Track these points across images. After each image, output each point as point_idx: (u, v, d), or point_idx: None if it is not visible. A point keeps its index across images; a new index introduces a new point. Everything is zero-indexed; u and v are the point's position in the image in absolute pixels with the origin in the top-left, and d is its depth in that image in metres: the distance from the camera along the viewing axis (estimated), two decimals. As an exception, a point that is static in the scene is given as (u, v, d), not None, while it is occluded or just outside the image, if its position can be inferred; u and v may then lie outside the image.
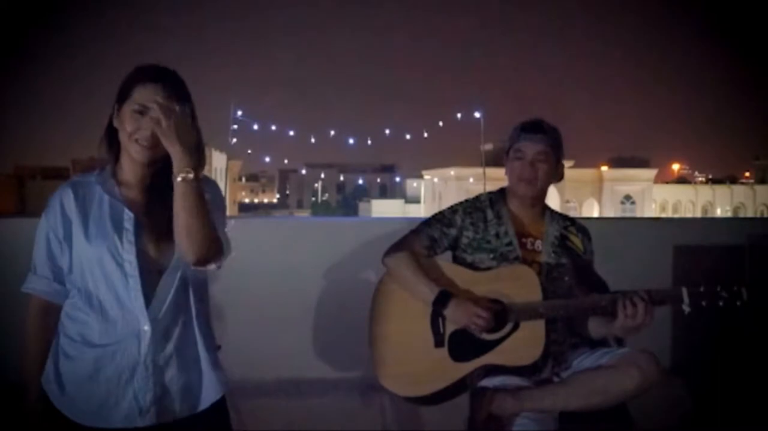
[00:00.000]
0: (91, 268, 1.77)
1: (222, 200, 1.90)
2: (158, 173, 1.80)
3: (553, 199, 34.93)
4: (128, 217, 1.78)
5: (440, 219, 2.50)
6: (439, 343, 2.35)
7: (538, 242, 2.46)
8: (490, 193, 2.56)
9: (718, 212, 62.78)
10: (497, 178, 26.66)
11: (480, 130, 42.08)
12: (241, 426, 1.94)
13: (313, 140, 48.20)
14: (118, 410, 1.75)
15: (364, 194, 75.88)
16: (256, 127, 42.26)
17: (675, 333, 3.98)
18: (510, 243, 2.42)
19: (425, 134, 48.30)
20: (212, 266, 1.76)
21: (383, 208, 63.59)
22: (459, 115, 44.13)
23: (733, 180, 75.93)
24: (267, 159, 56.18)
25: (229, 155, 49.27)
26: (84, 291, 1.78)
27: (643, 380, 2.14)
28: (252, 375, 3.44)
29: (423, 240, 2.46)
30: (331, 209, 71.51)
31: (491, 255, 2.42)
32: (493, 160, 40.83)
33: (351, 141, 47.61)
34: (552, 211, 2.55)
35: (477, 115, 42.76)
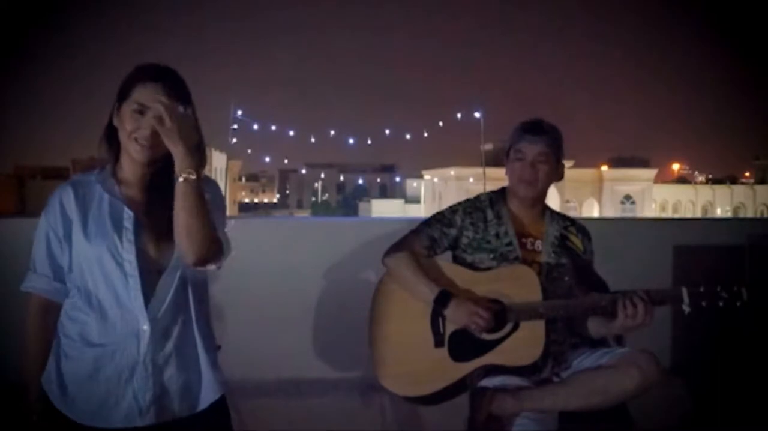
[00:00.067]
0: (90, 267, 1.76)
1: (222, 200, 1.90)
2: (158, 172, 1.80)
3: (553, 199, 34.94)
4: (128, 216, 1.78)
5: (440, 219, 2.50)
6: (439, 343, 2.35)
7: (538, 242, 2.46)
8: (490, 193, 2.56)
9: (718, 212, 62.80)
10: (497, 178, 26.66)
11: (480, 130, 42.12)
12: (241, 426, 1.93)
13: (313, 140, 48.29)
14: (117, 410, 1.75)
15: (364, 194, 75.90)
16: (256, 127, 42.34)
17: (675, 333, 3.99)
18: (510, 243, 2.42)
19: (425, 134, 48.39)
20: (212, 267, 1.76)
21: (383, 208, 63.61)
22: (459, 115, 44.19)
23: (733, 180, 75.95)
24: (267, 159, 56.31)
25: (229, 155, 49.32)
26: (83, 290, 1.78)
27: (643, 380, 2.14)
28: (252, 375, 3.44)
29: (423, 240, 2.46)
30: (331, 209, 71.52)
31: (491, 255, 2.42)
32: (493, 160, 40.85)
33: (351, 141, 47.70)
34: (552, 211, 2.55)
35: (477, 115, 42.82)
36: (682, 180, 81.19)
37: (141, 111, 1.74)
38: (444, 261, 2.48)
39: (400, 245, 2.46)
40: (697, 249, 4.06)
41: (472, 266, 2.43)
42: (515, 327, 2.30)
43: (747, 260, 3.70)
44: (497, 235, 2.44)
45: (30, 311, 1.83)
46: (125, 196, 1.81)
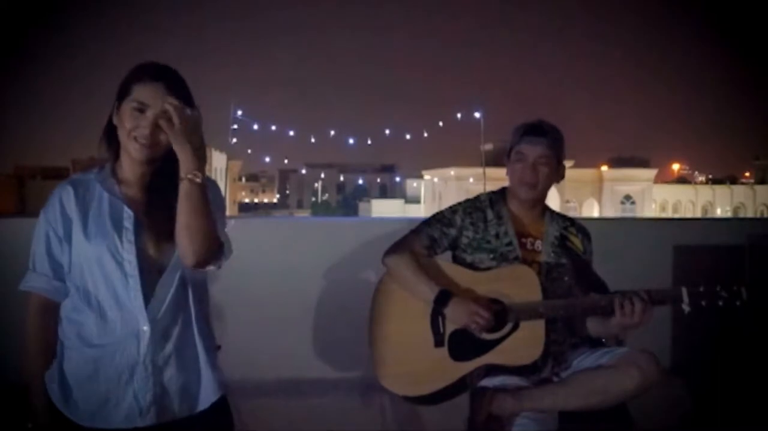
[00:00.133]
0: (90, 267, 1.76)
1: (222, 200, 1.90)
2: (158, 171, 1.80)
3: (553, 199, 34.94)
4: (128, 215, 1.77)
5: (440, 219, 2.50)
6: (439, 343, 2.35)
7: (538, 243, 2.46)
8: (490, 193, 2.56)
9: (718, 212, 62.80)
10: (497, 178, 26.67)
11: (480, 130, 42.10)
12: (242, 426, 1.93)
13: (313, 140, 48.28)
14: (118, 410, 1.74)
15: (364, 194, 75.90)
16: (256, 127, 42.34)
17: (675, 332, 3.99)
18: (510, 243, 2.42)
19: (425, 134, 48.37)
20: (211, 267, 1.76)
21: (383, 208, 63.61)
22: (459, 115, 44.17)
23: (733, 180, 75.94)
24: (267, 159, 56.34)
25: (229, 155, 49.29)
26: (82, 291, 1.77)
27: (643, 380, 2.14)
28: (252, 375, 3.44)
29: (423, 240, 2.46)
30: (331, 209, 71.51)
31: (491, 255, 2.41)
32: (493, 160, 40.83)
33: (351, 141, 47.69)
34: (552, 211, 2.55)
35: (477, 115, 42.80)
36: (682, 180, 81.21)
37: (141, 109, 1.73)
38: (444, 261, 2.48)
39: (400, 245, 2.46)
40: (697, 249, 4.06)
41: (472, 266, 2.43)
42: (515, 327, 2.30)
43: (747, 260, 3.70)
44: (497, 235, 2.43)
45: (30, 310, 1.82)
46: (125, 195, 1.80)
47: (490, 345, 2.30)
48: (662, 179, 71.89)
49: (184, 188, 1.68)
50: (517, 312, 2.29)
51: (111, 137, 1.81)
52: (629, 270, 3.20)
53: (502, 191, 2.55)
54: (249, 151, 64.77)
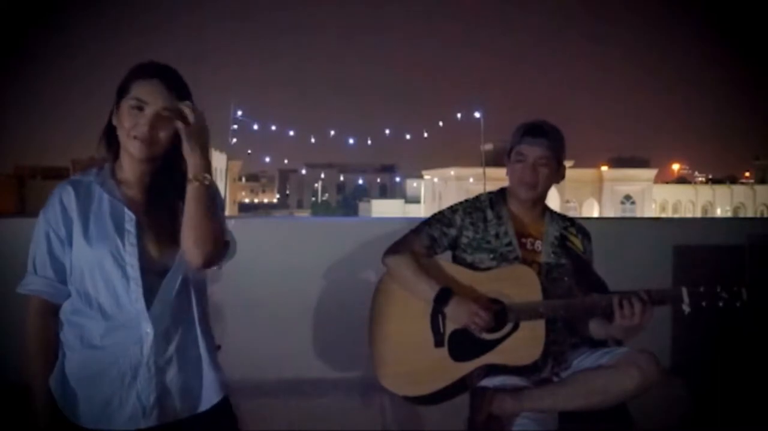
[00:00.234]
0: (90, 270, 1.74)
1: (221, 200, 1.90)
2: (157, 171, 1.79)
3: (553, 199, 34.92)
4: (129, 218, 1.76)
5: (440, 219, 2.50)
6: (439, 343, 2.34)
7: (538, 243, 2.46)
8: (490, 193, 2.55)
9: (718, 212, 62.80)
10: (497, 178, 26.64)
11: (480, 130, 42.07)
12: (242, 426, 1.93)
13: (313, 140, 48.23)
14: (121, 412, 1.73)
15: (364, 194, 75.91)
16: (256, 127, 42.33)
17: (675, 332, 3.99)
18: (510, 243, 2.42)
19: (425, 134, 48.30)
20: (214, 267, 1.76)
21: (383, 208, 63.61)
22: (459, 115, 44.12)
23: (733, 180, 75.97)
24: (267, 159, 56.20)
25: (229, 155, 49.23)
26: (83, 293, 1.76)
27: (643, 380, 2.14)
28: (252, 375, 3.44)
29: (423, 240, 2.46)
30: (331, 209, 71.53)
31: (491, 255, 2.41)
32: (493, 160, 40.86)
33: (351, 141, 47.62)
34: (552, 211, 2.55)
35: (477, 115, 42.75)
36: (682, 180, 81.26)
37: (139, 107, 1.72)
38: (444, 261, 2.48)
39: (400, 245, 2.46)
40: (697, 249, 4.06)
41: (472, 266, 2.43)
42: (515, 327, 2.30)
43: (747, 260, 3.70)
44: (497, 235, 2.43)
45: (30, 312, 1.80)
46: (125, 197, 1.79)
47: (490, 345, 2.30)
48: (662, 179, 71.97)
49: (193, 189, 1.68)
50: (517, 312, 2.29)
51: (111, 137, 1.80)
52: (629, 270, 3.20)
53: (502, 192, 2.55)
54: (249, 151, 64.76)
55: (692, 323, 2.67)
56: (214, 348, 1.88)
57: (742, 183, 72.56)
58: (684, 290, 2.20)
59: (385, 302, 2.44)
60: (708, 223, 6.87)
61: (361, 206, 67.88)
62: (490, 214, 2.47)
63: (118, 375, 1.73)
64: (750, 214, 60.88)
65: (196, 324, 1.82)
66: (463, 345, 2.32)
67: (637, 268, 3.62)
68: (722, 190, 66.49)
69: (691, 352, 3.94)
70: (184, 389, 1.79)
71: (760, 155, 76.58)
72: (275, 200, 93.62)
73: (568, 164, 3.06)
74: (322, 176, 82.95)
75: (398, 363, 2.38)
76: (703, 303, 2.19)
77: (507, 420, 2.18)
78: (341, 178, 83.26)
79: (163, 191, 1.77)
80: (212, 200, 1.70)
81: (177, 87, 1.75)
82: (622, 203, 60.55)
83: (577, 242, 2.49)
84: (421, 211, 60.70)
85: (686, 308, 2.19)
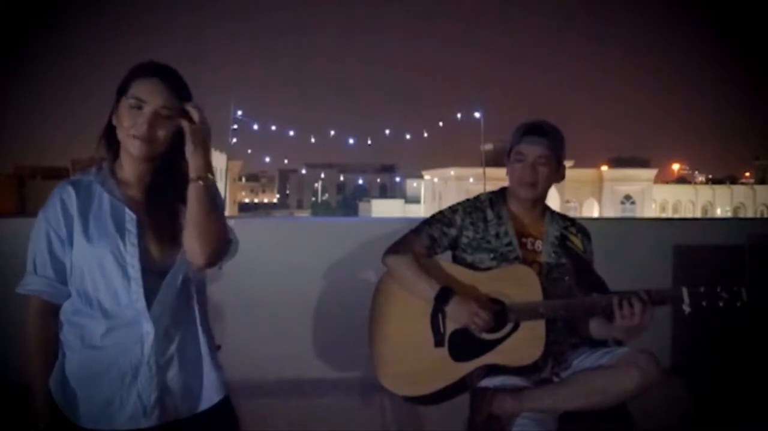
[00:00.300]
0: (90, 270, 1.74)
1: (221, 200, 1.90)
2: (157, 170, 1.79)
3: (553, 199, 34.92)
4: (130, 218, 1.75)
5: (440, 219, 2.50)
6: (439, 343, 2.34)
7: (538, 243, 2.46)
8: (490, 193, 2.55)
9: (718, 212, 62.81)
10: (497, 178, 26.66)
11: (480, 130, 42.07)
12: (242, 426, 1.93)
13: (313, 140, 48.27)
14: (122, 411, 1.73)
15: (364, 194, 75.93)
16: (256, 127, 42.38)
17: (675, 332, 3.99)
18: (510, 243, 2.42)
19: (425, 134, 48.31)
20: (215, 266, 1.76)
21: (383, 208, 63.64)
22: (459, 115, 44.14)
23: (733, 180, 75.98)
24: (267, 159, 56.35)
25: (229, 155, 49.23)
26: (83, 293, 1.76)
27: (643, 380, 2.14)
28: (252, 375, 3.45)
29: (423, 240, 2.46)
30: (331, 209, 71.54)
31: (491, 255, 2.41)
32: (493, 160, 40.87)
33: (351, 141, 47.66)
34: (552, 211, 2.55)
35: (477, 115, 42.76)
36: (682, 180, 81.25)
37: (138, 106, 1.72)
38: (444, 261, 2.48)
39: (400, 245, 2.46)
40: (697, 249, 4.06)
41: (472, 266, 2.43)
42: (515, 327, 2.30)
43: (747, 260, 3.70)
44: (497, 235, 2.43)
45: (30, 312, 1.80)
46: (126, 196, 1.79)
47: (491, 345, 2.30)
48: (662, 179, 71.98)
49: (195, 189, 1.68)
50: (518, 312, 2.29)
51: (110, 137, 1.79)
52: (629, 270, 3.20)
53: (502, 191, 2.54)
54: (249, 151, 65.01)
55: (692, 323, 2.67)
56: (214, 348, 1.88)
57: (742, 183, 72.57)
58: (684, 291, 2.20)
59: (385, 302, 2.44)
60: (708, 223, 6.86)
61: (361, 206, 67.89)
62: (490, 214, 2.47)
63: (118, 375, 1.73)
64: (750, 214, 60.88)
65: (196, 323, 1.82)
66: (463, 345, 2.32)
67: (637, 268, 3.62)
68: (722, 190, 66.50)
69: (691, 352, 3.94)
70: (185, 388, 1.79)
71: (760, 155, 76.60)
72: (275, 200, 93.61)
73: (568, 164, 3.06)
74: (322, 176, 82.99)
75: (398, 363, 2.38)
76: (704, 303, 2.19)
77: (507, 420, 2.18)
78: (341, 178, 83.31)
79: (164, 191, 1.77)
80: (214, 200, 1.71)
81: (177, 86, 1.75)
82: (622, 203, 60.56)
83: (577, 241, 2.49)
84: (421, 211, 60.72)
85: (686, 308, 2.19)
